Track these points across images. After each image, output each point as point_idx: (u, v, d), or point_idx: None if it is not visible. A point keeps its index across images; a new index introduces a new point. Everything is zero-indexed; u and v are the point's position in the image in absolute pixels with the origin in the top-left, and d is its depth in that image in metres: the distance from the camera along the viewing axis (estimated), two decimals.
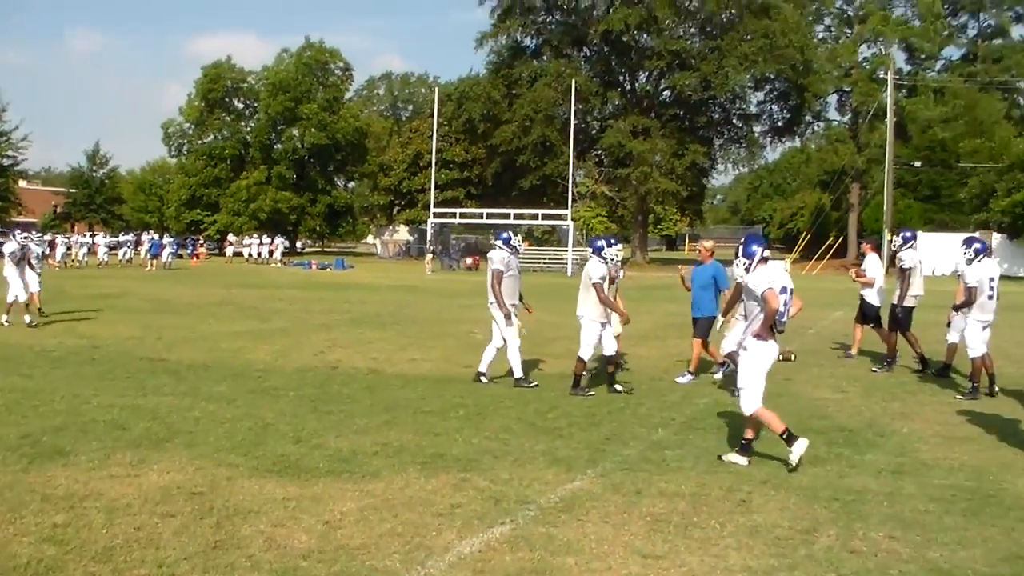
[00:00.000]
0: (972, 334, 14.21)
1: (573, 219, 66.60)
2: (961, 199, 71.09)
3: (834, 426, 11.68)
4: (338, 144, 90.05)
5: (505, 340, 14.45)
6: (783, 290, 9.47)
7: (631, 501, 8.16)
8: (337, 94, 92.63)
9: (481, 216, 64.80)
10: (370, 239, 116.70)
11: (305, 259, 73.62)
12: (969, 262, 14.56)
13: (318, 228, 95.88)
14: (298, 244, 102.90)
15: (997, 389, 14.28)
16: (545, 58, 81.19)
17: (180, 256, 69.35)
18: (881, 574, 6.55)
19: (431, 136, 72.74)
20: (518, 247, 15.04)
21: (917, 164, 73.83)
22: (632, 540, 7.14)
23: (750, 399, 9.58)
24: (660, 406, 12.91)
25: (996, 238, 60.91)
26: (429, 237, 65.93)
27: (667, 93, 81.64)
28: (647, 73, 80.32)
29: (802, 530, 7.45)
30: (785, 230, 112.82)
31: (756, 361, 9.52)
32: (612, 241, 14.83)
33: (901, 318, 16.86)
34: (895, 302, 17.02)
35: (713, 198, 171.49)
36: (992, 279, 14.35)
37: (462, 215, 67.18)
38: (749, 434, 9.71)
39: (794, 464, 9.24)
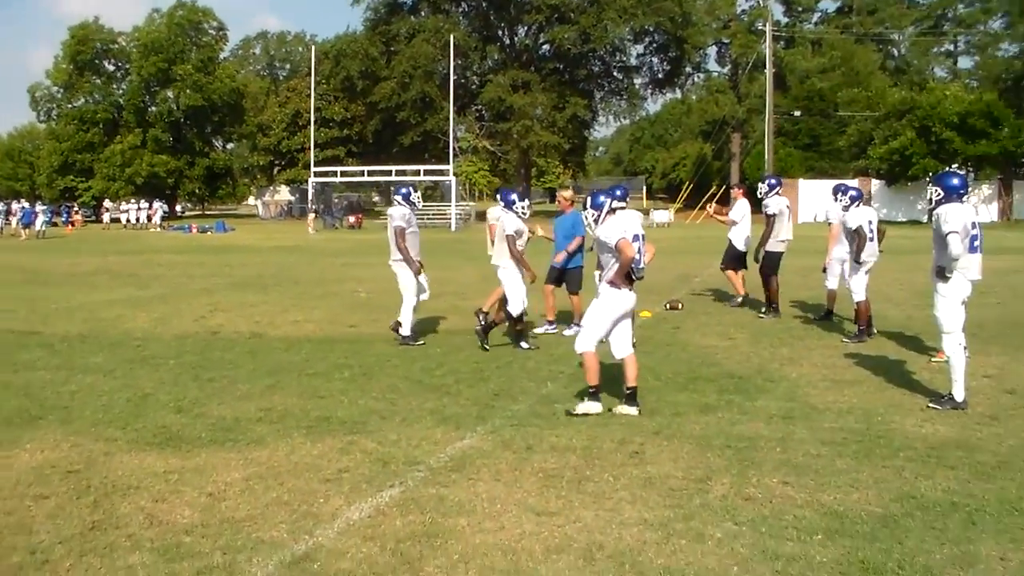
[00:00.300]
0: (857, 278, 14.40)
1: (455, 174, 66.32)
2: (840, 147, 72.36)
3: (724, 373, 11.73)
4: (214, 105, 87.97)
5: (404, 295, 14.22)
6: (635, 238, 9.54)
7: (522, 457, 8.06)
8: (212, 54, 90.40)
9: (362, 174, 64.26)
10: (252, 201, 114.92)
11: (185, 223, 72.25)
12: (846, 208, 14.78)
13: (197, 191, 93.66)
14: (178, 208, 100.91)
15: (875, 330, 14.56)
16: (423, 14, 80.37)
17: (55, 224, 67.27)
18: (776, 520, 6.53)
19: (309, 95, 71.74)
20: (416, 203, 14.83)
21: (796, 113, 74.94)
22: (525, 497, 7.05)
23: (584, 339, 9.67)
24: (548, 359, 12.84)
25: (875, 184, 62.07)
26: (311, 197, 65.13)
27: (547, 47, 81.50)
28: (526, 27, 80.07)
29: (696, 479, 7.43)
30: (668, 180, 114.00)
31: (605, 307, 9.58)
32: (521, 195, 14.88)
33: (765, 263, 16.99)
34: (758, 246, 17.22)
35: (596, 150, 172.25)
36: (871, 222, 14.52)
37: (343, 173, 66.54)
38: (631, 382, 9.70)
39: (575, 412, 9.52)
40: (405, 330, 14.19)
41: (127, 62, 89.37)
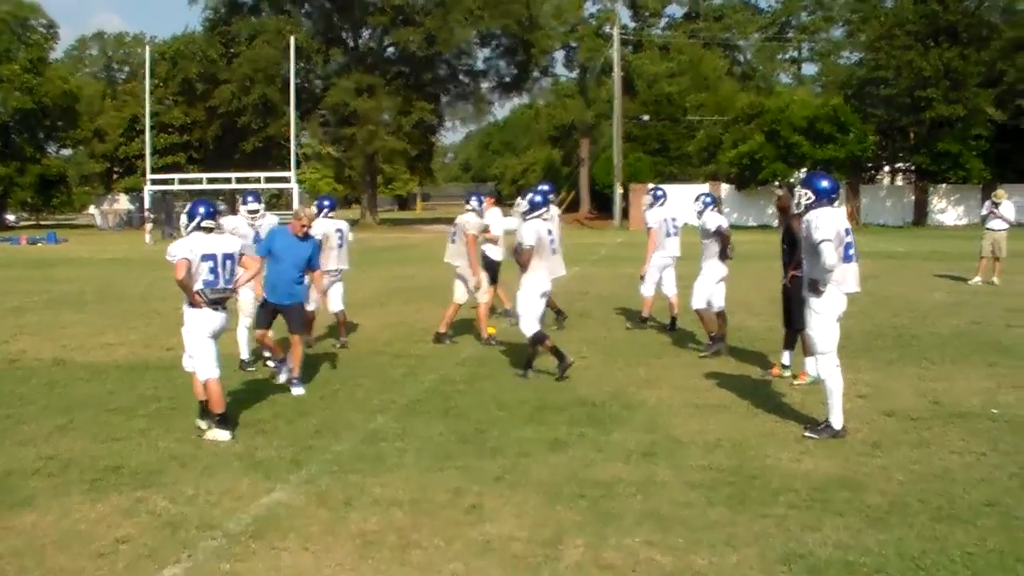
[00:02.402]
0: (701, 284, 13.64)
1: (299, 181, 64.50)
2: (690, 152, 72.44)
3: (576, 400, 10.64)
4: (46, 108, 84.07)
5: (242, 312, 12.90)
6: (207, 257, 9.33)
7: (339, 516, 6.88)
8: (41, 54, 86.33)
9: (201, 181, 61.97)
10: (92, 210, 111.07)
11: (14, 234, 68.98)
12: (700, 213, 13.98)
13: (30, 200, 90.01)
14: (11, 218, 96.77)
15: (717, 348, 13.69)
16: (264, 14, 78.07)
17: None
18: None
19: (149, 99, 69.16)
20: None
21: (645, 118, 74.75)
22: (337, 572, 5.84)
23: (203, 367, 9.42)
24: (380, 386, 11.63)
25: (724, 188, 62.19)
26: (147, 205, 62.57)
27: (392, 50, 79.93)
28: (371, 29, 78.39)
29: (544, 542, 6.35)
30: (517, 187, 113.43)
31: (194, 330, 9.40)
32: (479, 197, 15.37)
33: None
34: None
35: (444, 156, 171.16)
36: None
37: (181, 180, 63.98)
38: (207, 404, 9.42)
39: (202, 431, 9.27)
40: (244, 353, 13.10)
41: None
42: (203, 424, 9.43)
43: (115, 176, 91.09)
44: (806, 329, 9.05)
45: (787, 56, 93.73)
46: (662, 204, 16.20)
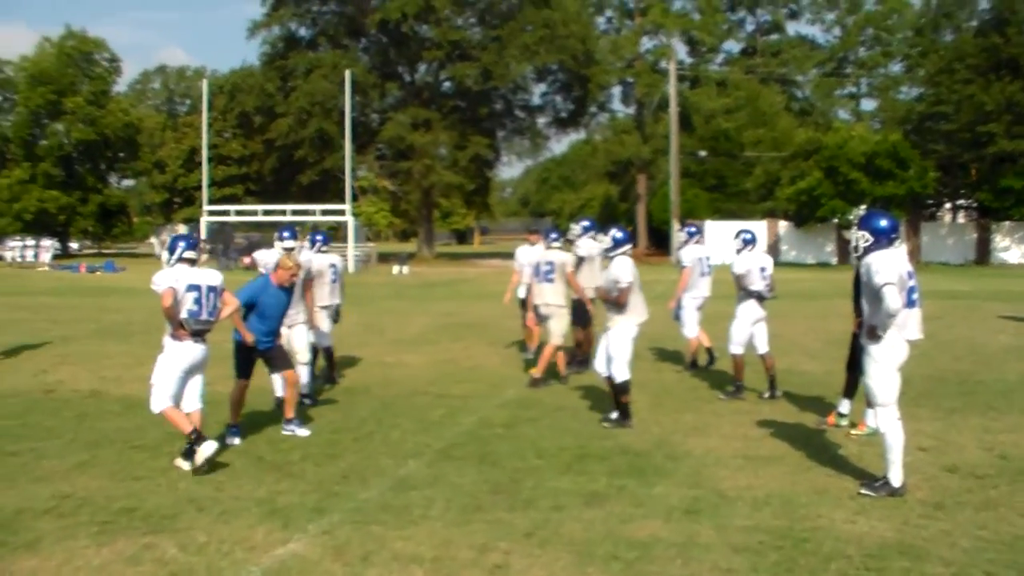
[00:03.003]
0: (737, 327, 13.01)
1: (355, 214, 64.41)
2: (747, 188, 71.73)
3: (618, 448, 10.02)
4: (108, 140, 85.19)
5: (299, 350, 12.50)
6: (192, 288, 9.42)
7: (354, 572, 6.40)
8: (104, 87, 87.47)
9: (256, 213, 62.07)
10: (152, 239, 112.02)
11: (75, 262, 69.43)
12: (738, 252, 13.35)
13: (91, 228, 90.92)
14: (74, 246, 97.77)
15: (779, 392, 13.06)
16: (321, 48, 78.44)
17: None
18: None
19: (207, 131, 69.47)
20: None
21: (702, 154, 74.16)
22: None
23: (156, 398, 9.43)
24: (417, 427, 11.14)
25: (783, 226, 61.46)
26: (203, 236, 62.77)
27: (448, 84, 79.95)
28: (427, 64, 78.45)
29: None
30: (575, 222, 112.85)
31: (168, 360, 9.46)
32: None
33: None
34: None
35: (502, 191, 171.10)
36: (764, 268, 13.23)
37: (238, 212, 64.18)
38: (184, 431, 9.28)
39: (197, 465, 8.98)
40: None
41: (14, 92, 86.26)
42: (184, 465, 9.22)
43: (175, 206, 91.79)
44: (864, 378, 8.45)
45: (845, 92, 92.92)
46: (697, 241, 15.69)
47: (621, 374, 11.00)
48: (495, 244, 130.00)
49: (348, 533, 7.16)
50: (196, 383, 9.70)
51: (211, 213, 62.13)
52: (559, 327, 14.17)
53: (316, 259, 13.54)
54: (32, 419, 11.66)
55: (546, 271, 14.21)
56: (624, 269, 11.04)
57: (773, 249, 57.12)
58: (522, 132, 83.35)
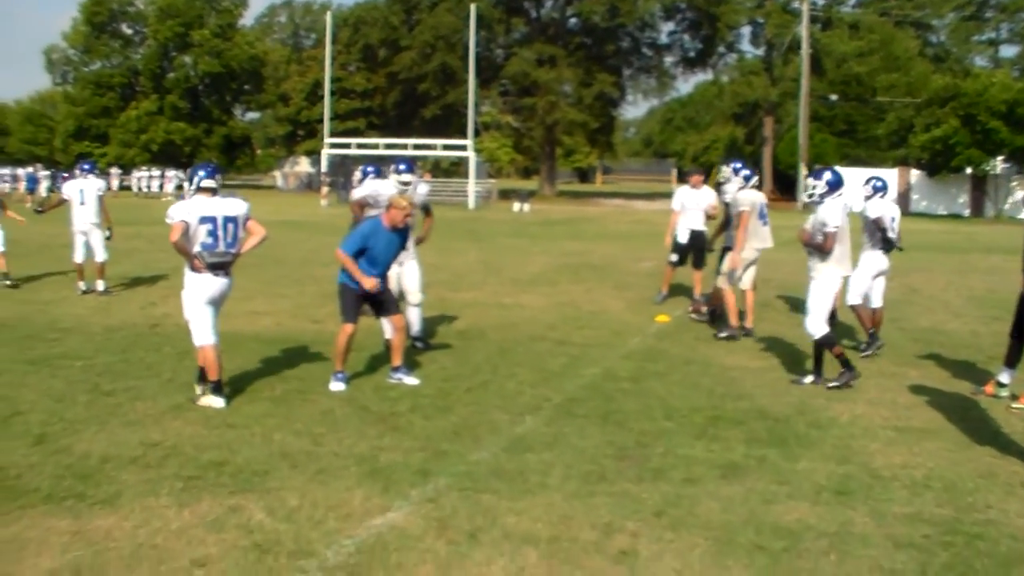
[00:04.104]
0: (857, 278, 11.84)
1: (477, 150, 63.75)
2: (878, 135, 69.39)
3: (755, 411, 9.01)
4: (233, 72, 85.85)
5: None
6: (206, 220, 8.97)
7: (459, 553, 5.59)
8: (231, 20, 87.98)
9: (377, 147, 61.61)
10: (276, 171, 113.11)
11: None
12: (867, 198, 12.24)
13: (214, 160, 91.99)
14: None
15: (878, 349, 11.95)
16: None
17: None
18: None
19: (330, 64, 69.21)
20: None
21: (833, 98, 71.80)
22: None
23: (197, 333, 9.22)
24: (535, 378, 10.27)
25: (914, 175, 59.27)
26: (324, 168, 62.65)
27: (574, 20, 78.67)
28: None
29: None
30: (699, 163, 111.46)
31: (191, 295, 9.25)
32: None
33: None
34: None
35: (625, 130, 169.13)
36: (893, 218, 12.22)
37: (359, 145, 63.78)
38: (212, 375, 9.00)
39: (197, 402, 8.89)
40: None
41: (144, 25, 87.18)
42: (198, 389, 9.08)
43: (298, 139, 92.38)
44: None
45: (983, 37, 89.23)
46: (753, 184, 13.66)
47: (817, 328, 9.96)
48: (617, 184, 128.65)
49: (455, 502, 6.35)
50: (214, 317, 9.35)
51: (332, 146, 61.90)
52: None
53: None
54: (134, 355, 11.12)
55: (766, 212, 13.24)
56: (834, 212, 9.93)
57: (904, 199, 55.04)
58: (648, 71, 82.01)
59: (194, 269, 9.05)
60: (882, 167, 56.60)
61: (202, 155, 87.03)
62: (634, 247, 27.93)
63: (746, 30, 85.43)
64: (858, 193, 12.62)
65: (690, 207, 15.03)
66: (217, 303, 9.31)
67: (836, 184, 10.16)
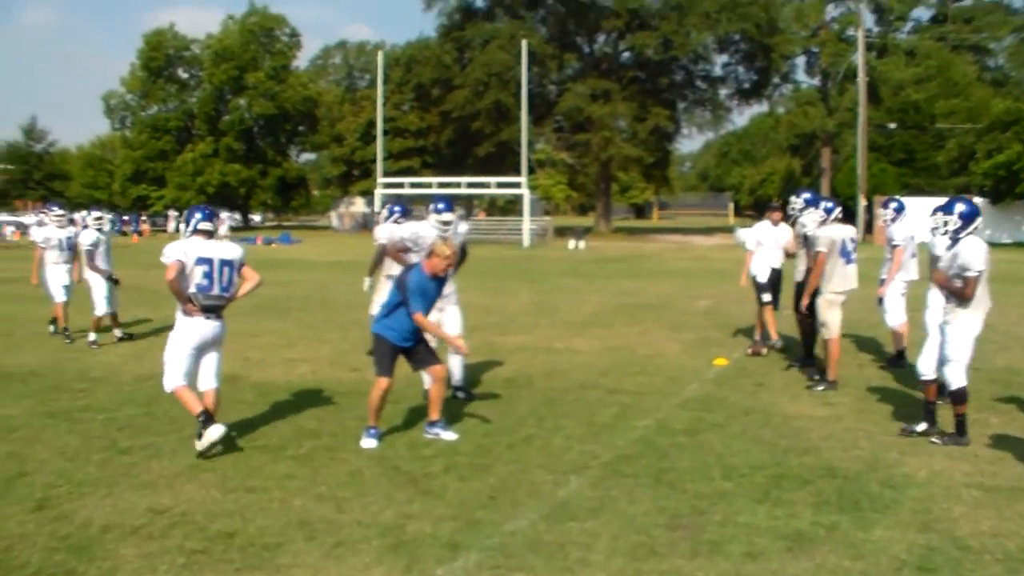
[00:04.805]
0: (932, 317, 10.97)
1: (531, 187, 63.23)
2: (938, 162, 68.11)
3: (822, 467, 8.16)
4: (287, 114, 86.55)
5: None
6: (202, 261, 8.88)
7: None
8: (284, 62, 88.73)
9: (431, 185, 61.20)
10: (333, 213, 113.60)
11: (252, 234, 69.95)
12: (934, 231, 11.36)
13: (269, 201, 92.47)
14: (257, 218, 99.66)
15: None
16: (498, 19, 77.60)
17: (124, 233, 66.23)
18: None
19: (382, 103, 69.12)
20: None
21: (891, 126, 70.58)
22: None
23: (168, 376, 8.93)
24: (583, 431, 9.49)
25: (978, 202, 58.00)
26: (377, 208, 62.41)
27: (627, 54, 78.37)
28: (605, 34, 76.98)
29: None
30: (755, 197, 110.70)
31: (177, 337, 8.95)
32: None
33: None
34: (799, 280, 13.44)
35: (681, 165, 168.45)
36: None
37: (412, 184, 63.46)
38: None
39: (201, 450, 8.48)
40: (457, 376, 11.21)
41: (200, 69, 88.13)
42: (197, 445, 8.58)
43: (352, 179, 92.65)
44: None
45: None
46: (901, 219, 13.35)
47: (957, 379, 8.99)
48: (674, 219, 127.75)
49: None
50: (211, 361, 9.10)
51: (386, 186, 61.62)
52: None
53: (387, 230, 12.87)
54: (159, 407, 10.48)
55: (852, 249, 12.23)
56: (976, 253, 8.89)
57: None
58: (703, 104, 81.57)
59: (186, 312, 8.85)
60: (943, 195, 55.33)
61: (257, 196, 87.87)
62: (691, 285, 27.15)
63: (801, 60, 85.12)
64: (925, 225, 11.86)
65: (768, 244, 14.20)
66: (210, 346, 9.04)
67: (971, 216, 9.07)
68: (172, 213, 73.75)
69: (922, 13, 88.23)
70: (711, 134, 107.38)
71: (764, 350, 14.15)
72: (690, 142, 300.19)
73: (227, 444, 8.66)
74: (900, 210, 13.44)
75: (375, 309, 13.58)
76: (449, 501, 7.22)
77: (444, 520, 6.77)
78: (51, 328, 16.28)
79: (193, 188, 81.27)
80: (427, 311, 9.16)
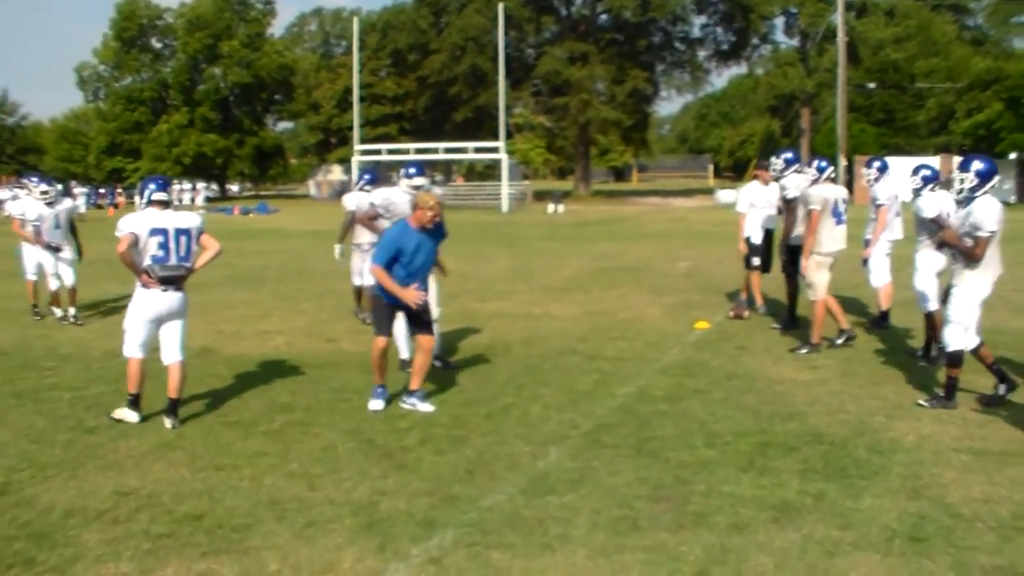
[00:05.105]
0: (922, 281, 10.98)
1: (509, 152, 62.88)
2: (918, 122, 68.17)
3: (808, 433, 7.95)
4: (263, 82, 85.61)
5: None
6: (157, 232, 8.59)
7: None
8: (259, 30, 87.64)
9: (408, 152, 60.74)
10: (311, 182, 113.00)
11: (229, 204, 69.46)
12: (917, 191, 11.22)
13: (246, 171, 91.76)
14: (235, 188, 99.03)
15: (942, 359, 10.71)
16: None
17: (100, 206, 65.60)
18: None
19: (358, 71, 68.53)
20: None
21: (871, 86, 70.47)
22: None
23: (126, 344, 8.88)
24: (562, 400, 9.28)
25: (957, 162, 57.87)
26: (354, 176, 61.91)
27: (604, 16, 77.75)
28: None
29: None
30: (735, 158, 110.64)
31: (135, 308, 8.80)
32: None
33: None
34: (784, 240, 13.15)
35: (660, 127, 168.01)
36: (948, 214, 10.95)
37: (389, 151, 62.97)
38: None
39: (114, 417, 8.69)
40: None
41: (174, 39, 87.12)
42: (167, 423, 8.58)
43: (330, 147, 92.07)
44: None
45: (1023, 19, 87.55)
46: (884, 178, 13.16)
47: (955, 341, 8.77)
48: (654, 182, 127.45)
49: (461, 563, 5.37)
50: (174, 333, 8.90)
51: (363, 152, 61.11)
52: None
53: (356, 198, 13.44)
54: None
55: (843, 210, 12.03)
56: (990, 213, 8.69)
57: (945, 187, 53.73)
58: (682, 65, 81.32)
59: (143, 284, 8.64)
60: (923, 155, 55.39)
61: (235, 166, 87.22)
62: (671, 247, 26.98)
63: (780, 20, 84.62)
64: (906, 185, 11.69)
65: (761, 205, 13.91)
66: (170, 317, 8.83)
67: (988, 175, 8.87)
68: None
69: None
70: (690, 96, 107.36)
71: (747, 313, 13.99)
72: (669, 104, 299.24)
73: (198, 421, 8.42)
74: (884, 169, 13.26)
75: (356, 279, 14.05)
76: (424, 475, 7.01)
77: (419, 496, 6.55)
78: (56, 312, 15.57)
79: (169, 159, 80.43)
80: (419, 269, 9.01)
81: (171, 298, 8.71)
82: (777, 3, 79.61)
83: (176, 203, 64.88)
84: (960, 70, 64.79)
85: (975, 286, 8.80)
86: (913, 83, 70.87)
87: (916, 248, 10.97)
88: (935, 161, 54.08)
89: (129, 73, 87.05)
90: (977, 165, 8.88)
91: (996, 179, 8.91)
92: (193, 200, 67.90)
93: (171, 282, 8.65)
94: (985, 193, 8.80)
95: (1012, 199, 55.31)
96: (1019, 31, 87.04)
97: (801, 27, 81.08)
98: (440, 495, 6.57)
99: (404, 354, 10.64)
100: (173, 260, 8.63)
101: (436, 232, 9.17)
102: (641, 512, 6.17)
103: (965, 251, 8.68)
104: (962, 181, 8.89)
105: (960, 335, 8.77)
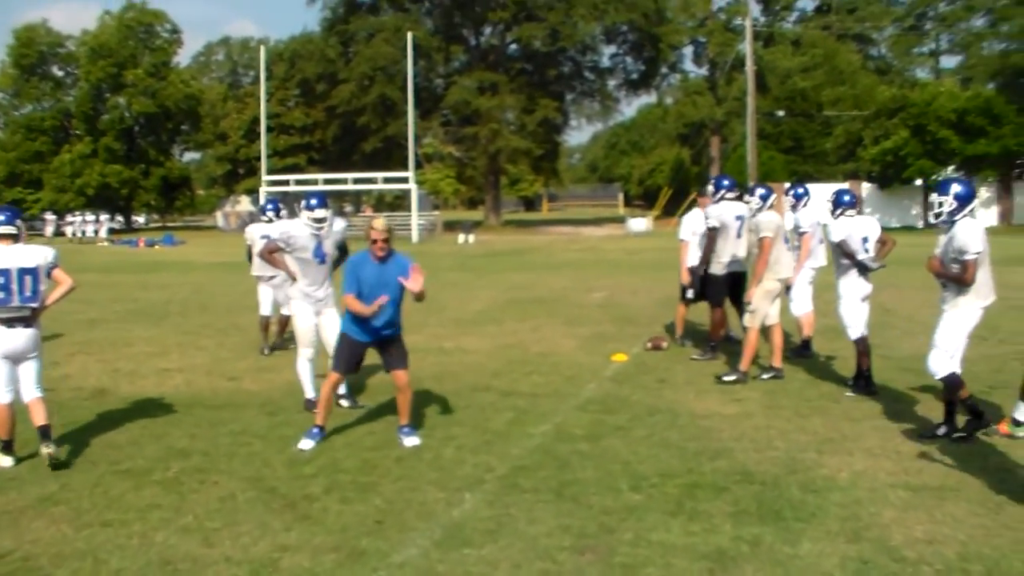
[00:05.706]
0: (846, 308, 10.69)
1: (419, 182, 62.41)
2: (826, 149, 69.12)
3: (738, 472, 7.58)
4: (169, 112, 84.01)
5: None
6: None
7: None
8: (165, 58, 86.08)
9: (316, 183, 59.94)
10: (219, 213, 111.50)
11: (134, 236, 68.06)
12: (834, 215, 11.02)
13: (152, 202, 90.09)
14: (141, 219, 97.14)
15: (875, 388, 10.55)
16: (383, 12, 76.56)
17: None
18: None
19: (265, 100, 67.70)
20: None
21: (780, 114, 71.30)
22: None
23: None
24: (476, 440, 8.80)
25: (866, 188, 58.72)
26: (261, 207, 60.98)
27: (514, 46, 77.77)
28: (492, 25, 76.14)
29: None
30: (645, 187, 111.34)
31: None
32: None
33: (707, 288, 13.17)
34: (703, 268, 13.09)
35: (570, 157, 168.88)
36: (866, 238, 10.83)
37: (297, 181, 62.08)
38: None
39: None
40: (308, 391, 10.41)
41: (76, 67, 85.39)
42: (44, 448, 8.23)
43: (238, 178, 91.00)
44: None
45: (924, 49, 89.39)
46: (806, 205, 13.11)
47: (941, 367, 8.46)
48: (564, 211, 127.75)
49: None
50: (29, 370, 8.50)
51: (270, 183, 60.29)
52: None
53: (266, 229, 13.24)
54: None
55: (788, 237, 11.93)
56: (973, 234, 8.35)
57: (859, 212, 54.44)
58: (591, 95, 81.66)
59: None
60: (832, 181, 56.02)
61: (140, 197, 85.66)
62: (584, 277, 26.66)
63: (688, 50, 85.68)
64: (824, 210, 11.50)
65: (702, 233, 13.53)
66: (21, 357, 8.42)
67: (968, 198, 8.54)
68: (50, 216, 71.48)
69: (807, 3, 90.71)
70: (600, 125, 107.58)
71: (665, 343, 13.65)
72: (579, 134, 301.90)
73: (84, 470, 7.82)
74: (801, 196, 13.07)
75: (264, 310, 14.13)
76: (330, 528, 6.49)
77: (324, 551, 6.04)
78: None
79: (72, 190, 78.61)
80: (372, 298, 8.61)
81: (19, 336, 8.34)
82: (685, 33, 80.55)
83: (79, 235, 63.80)
84: (866, 98, 65.78)
85: (965, 313, 8.54)
86: (821, 111, 71.86)
87: (837, 274, 10.71)
88: (843, 187, 54.85)
89: (29, 101, 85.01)
90: (956, 188, 8.57)
91: (975, 202, 8.63)
92: (96, 232, 66.36)
93: (16, 322, 8.29)
94: (965, 216, 8.46)
95: (920, 224, 56.13)
96: (920, 60, 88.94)
97: (710, 56, 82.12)
98: (346, 550, 6.07)
99: (309, 394, 10.12)
100: (16, 302, 8.28)
101: (396, 264, 8.93)
102: (565, 565, 5.73)
103: (954, 278, 8.42)
104: (940, 205, 8.54)
105: (945, 361, 8.48)
